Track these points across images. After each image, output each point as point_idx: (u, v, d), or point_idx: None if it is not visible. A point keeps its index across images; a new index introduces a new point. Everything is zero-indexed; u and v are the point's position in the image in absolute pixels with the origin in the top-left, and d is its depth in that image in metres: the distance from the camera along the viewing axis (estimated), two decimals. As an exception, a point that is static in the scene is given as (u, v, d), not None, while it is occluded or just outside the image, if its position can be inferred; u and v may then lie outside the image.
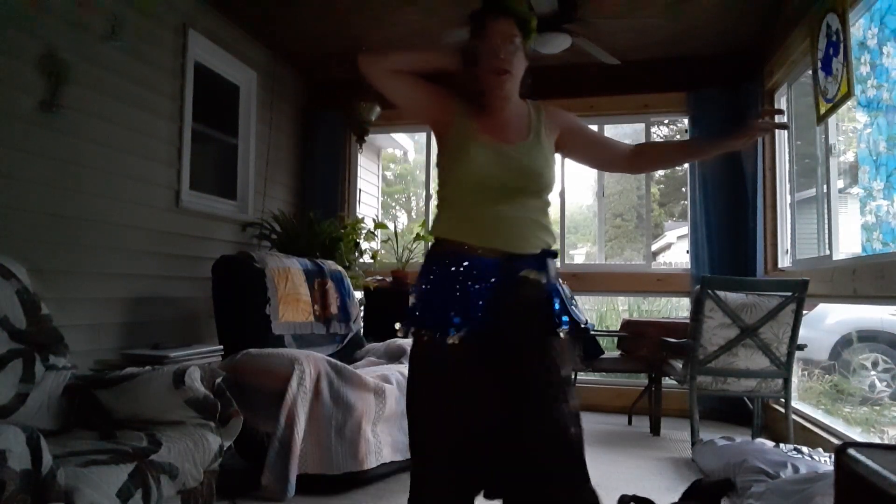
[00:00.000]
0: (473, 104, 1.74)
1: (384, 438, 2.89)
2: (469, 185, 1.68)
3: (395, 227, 5.85)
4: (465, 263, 1.63)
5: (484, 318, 1.59)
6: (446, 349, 1.59)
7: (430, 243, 1.77)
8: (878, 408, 5.06)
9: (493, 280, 1.62)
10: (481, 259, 1.63)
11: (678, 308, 6.47)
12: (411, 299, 1.71)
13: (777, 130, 4.40)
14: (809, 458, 2.82)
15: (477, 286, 1.61)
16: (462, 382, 1.60)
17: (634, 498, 2.23)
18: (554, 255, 1.73)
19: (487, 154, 1.66)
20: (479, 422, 1.59)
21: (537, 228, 1.69)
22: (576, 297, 4.86)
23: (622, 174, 11.69)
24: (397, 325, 1.71)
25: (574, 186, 11.11)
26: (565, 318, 1.67)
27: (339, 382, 2.82)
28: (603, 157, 1.88)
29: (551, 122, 1.77)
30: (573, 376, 1.69)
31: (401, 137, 6.90)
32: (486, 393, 1.60)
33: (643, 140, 5.25)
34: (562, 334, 1.65)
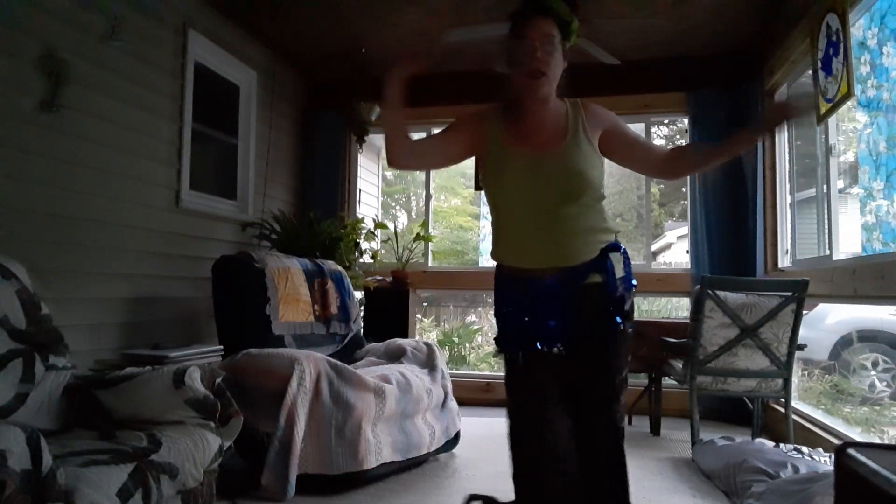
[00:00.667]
0: (511, 109, 1.74)
1: (384, 438, 2.89)
2: (511, 200, 1.68)
3: (395, 227, 5.85)
4: (529, 287, 1.67)
5: (558, 334, 1.64)
6: (534, 366, 1.66)
7: (494, 265, 1.82)
8: (878, 408, 5.06)
9: (558, 299, 1.64)
10: (543, 280, 1.65)
11: (678, 308, 6.47)
12: (496, 323, 1.78)
13: (776, 131, 4.41)
14: (809, 458, 2.82)
15: (546, 307, 1.65)
16: (548, 392, 1.66)
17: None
18: (615, 247, 1.71)
19: (525, 169, 1.65)
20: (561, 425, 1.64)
21: (589, 234, 1.67)
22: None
23: (622, 174, 11.68)
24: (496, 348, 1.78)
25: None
26: (625, 313, 1.68)
27: (339, 382, 2.82)
28: (643, 157, 1.83)
29: (592, 121, 1.75)
30: (624, 378, 1.72)
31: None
32: (562, 399, 1.65)
33: (643, 140, 5.25)
34: (614, 335, 1.67)
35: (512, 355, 1.71)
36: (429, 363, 3.45)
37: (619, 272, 1.68)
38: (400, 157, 1.74)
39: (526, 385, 1.70)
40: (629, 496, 1.67)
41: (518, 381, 1.73)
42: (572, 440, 1.64)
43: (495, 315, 1.78)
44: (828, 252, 3.46)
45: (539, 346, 1.64)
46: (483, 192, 1.82)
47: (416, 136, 1.76)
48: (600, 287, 1.66)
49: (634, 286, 1.73)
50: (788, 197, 4.34)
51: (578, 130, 1.70)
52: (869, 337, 5.53)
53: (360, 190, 5.66)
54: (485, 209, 4.93)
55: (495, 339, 1.78)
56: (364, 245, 4.84)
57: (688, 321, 3.61)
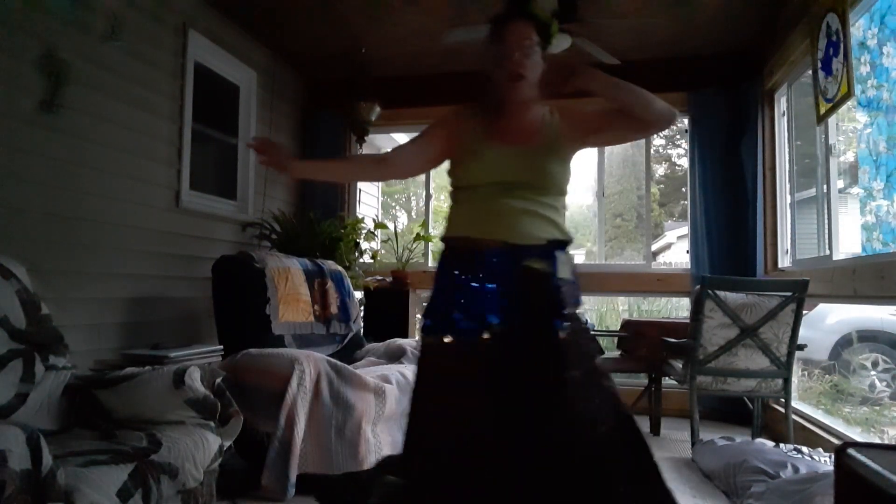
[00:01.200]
0: (489, 109, 1.76)
1: (384, 438, 2.89)
2: (477, 183, 1.70)
3: (395, 227, 5.85)
4: (471, 260, 1.65)
5: (495, 315, 1.59)
6: (455, 350, 1.60)
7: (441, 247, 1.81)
8: (878, 408, 5.06)
9: (498, 274, 1.62)
10: (485, 252, 1.63)
11: (678, 308, 6.47)
12: (429, 302, 1.73)
13: (777, 129, 4.42)
14: (809, 458, 2.82)
15: (486, 284, 1.62)
16: (478, 382, 1.57)
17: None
18: (562, 245, 1.70)
19: (498, 155, 1.68)
20: (488, 425, 1.54)
21: (544, 222, 1.68)
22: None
23: (622, 174, 11.71)
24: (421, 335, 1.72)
25: (574, 186, 11.10)
26: (563, 319, 1.62)
27: (339, 382, 2.82)
28: (626, 121, 1.77)
29: (569, 124, 1.76)
30: (592, 370, 1.63)
31: (401, 137, 6.89)
32: (495, 392, 1.56)
33: (643, 141, 5.25)
34: (564, 334, 1.61)
35: (438, 333, 1.64)
36: (429, 363, 3.45)
37: (566, 273, 1.66)
38: (375, 177, 1.81)
39: (447, 367, 1.63)
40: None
41: (438, 362, 1.65)
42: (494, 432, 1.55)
43: (431, 296, 1.72)
44: (828, 252, 3.46)
45: (468, 326, 1.59)
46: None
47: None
48: (542, 276, 1.64)
49: (579, 300, 1.69)
50: (788, 197, 4.34)
51: (551, 135, 1.74)
52: (869, 337, 5.53)
53: (360, 190, 5.66)
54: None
55: (424, 315, 1.71)
56: (364, 245, 4.84)
57: (688, 321, 3.61)
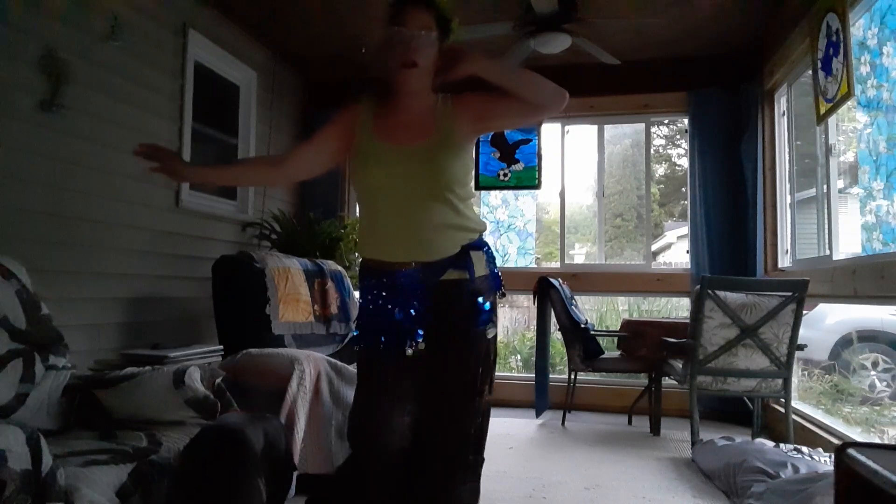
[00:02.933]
0: (382, 101, 1.72)
1: (384, 438, 2.89)
2: (374, 194, 1.66)
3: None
4: (387, 281, 1.64)
5: (414, 333, 1.61)
6: (387, 362, 1.64)
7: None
8: (878, 408, 5.06)
9: (416, 295, 1.62)
10: (401, 273, 1.63)
11: (678, 308, 6.47)
12: (357, 316, 1.77)
13: (777, 129, 4.42)
14: (809, 458, 2.82)
15: (404, 303, 1.62)
16: (398, 390, 1.64)
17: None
18: (477, 246, 1.69)
19: (388, 164, 1.63)
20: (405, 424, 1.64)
21: (450, 230, 1.64)
22: (576, 297, 4.88)
23: (623, 174, 11.69)
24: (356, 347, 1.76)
25: (574, 186, 11.11)
26: (482, 317, 1.65)
27: (339, 382, 2.82)
28: (518, 108, 1.71)
29: (463, 112, 1.70)
30: (487, 374, 1.68)
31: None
32: (415, 396, 1.65)
33: (643, 140, 5.26)
34: (489, 333, 1.66)
35: (363, 347, 1.70)
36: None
37: (481, 270, 1.66)
38: (272, 180, 1.83)
39: (371, 378, 1.70)
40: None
41: (365, 373, 1.72)
42: (409, 438, 1.64)
43: (359, 310, 1.77)
44: (828, 252, 3.46)
45: (387, 342, 1.62)
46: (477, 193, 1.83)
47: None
48: (458, 285, 1.64)
49: (499, 287, 1.71)
50: (788, 197, 4.34)
51: (445, 126, 1.67)
52: (869, 337, 5.53)
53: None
54: (485, 209, 4.93)
55: (355, 329, 1.78)
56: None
57: (688, 321, 3.61)
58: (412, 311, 1.61)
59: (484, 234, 1.75)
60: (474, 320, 1.64)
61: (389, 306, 1.64)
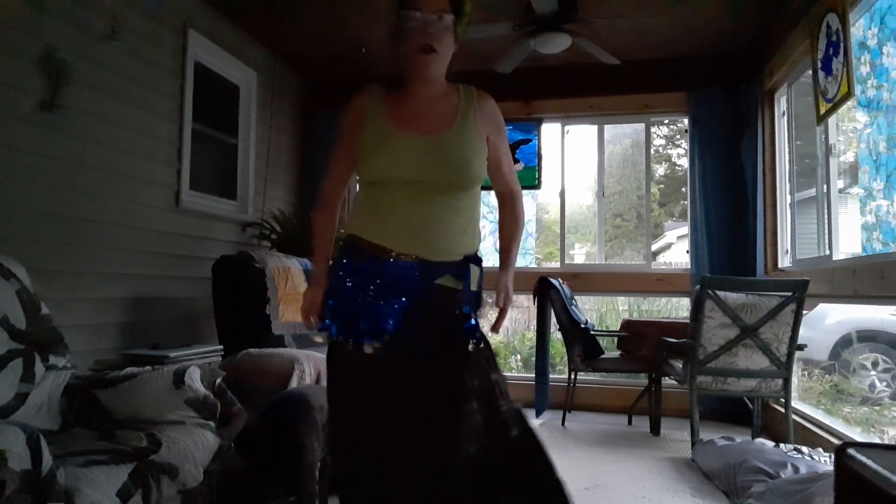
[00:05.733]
0: (395, 89, 1.62)
1: (384, 438, 2.89)
2: (386, 183, 1.55)
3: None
4: (378, 269, 1.53)
5: (397, 330, 1.50)
6: (363, 359, 1.50)
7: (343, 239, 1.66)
8: (878, 408, 5.05)
9: (407, 289, 1.52)
10: (397, 264, 1.52)
11: (678, 308, 6.46)
12: (325, 300, 1.59)
13: (777, 129, 4.42)
14: (809, 458, 2.82)
15: (390, 295, 1.51)
16: (380, 395, 1.50)
17: None
18: (478, 261, 1.62)
19: (404, 148, 1.54)
20: (402, 437, 1.48)
21: (459, 233, 1.57)
22: (576, 297, 4.88)
23: (623, 174, 11.72)
24: (317, 338, 1.64)
25: (574, 186, 11.10)
26: (473, 330, 1.55)
27: (339, 382, 2.82)
28: (492, 178, 1.72)
29: (484, 114, 1.63)
30: (491, 385, 1.56)
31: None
32: (404, 407, 1.50)
33: (643, 140, 5.26)
34: (471, 347, 1.54)
35: (343, 343, 1.53)
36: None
37: (473, 285, 1.59)
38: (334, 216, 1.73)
39: (357, 380, 1.54)
40: None
41: (342, 372, 1.56)
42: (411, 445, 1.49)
43: (326, 294, 1.59)
44: (828, 252, 3.46)
45: (364, 341, 1.50)
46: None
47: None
48: (451, 293, 1.56)
49: (480, 307, 1.62)
50: (788, 197, 4.34)
51: (469, 118, 1.59)
52: (869, 337, 5.52)
53: (359, 190, 5.64)
54: (485, 209, 4.93)
55: (322, 322, 1.59)
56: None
57: (688, 321, 3.61)
58: (396, 308, 1.51)
59: (482, 240, 1.70)
60: (464, 331, 1.55)
61: (372, 296, 1.52)
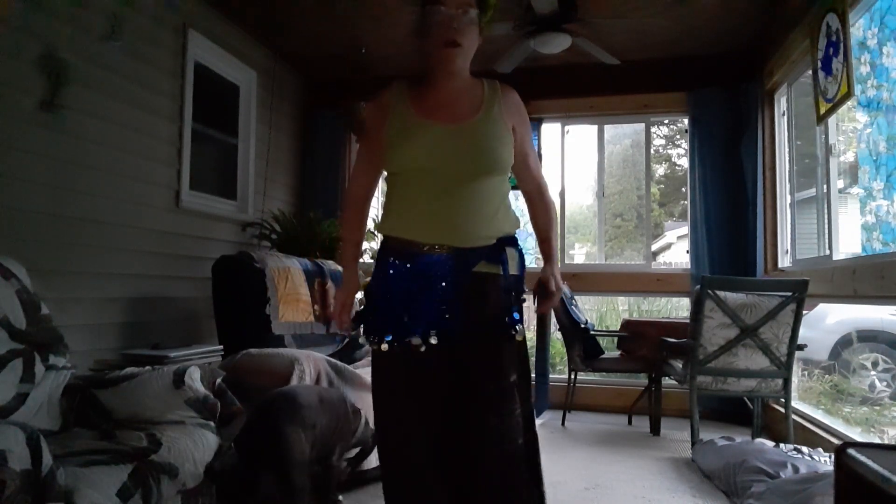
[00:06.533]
0: (419, 83, 1.64)
1: (384, 438, 2.88)
2: (413, 173, 1.55)
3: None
4: (414, 264, 1.53)
5: (439, 323, 1.51)
6: (409, 357, 1.51)
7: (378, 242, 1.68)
8: (878, 408, 5.05)
9: (444, 282, 1.52)
10: (430, 257, 1.52)
11: (678, 308, 6.47)
12: (365, 303, 1.62)
13: (777, 129, 4.42)
14: (809, 458, 2.82)
15: (429, 290, 1.51)
16: (425, 389, 1.54)
17: None
18: (513, 242, 1.62)
19: (430, 136, 1.53)
20: (441, 429, 1.52)
21: (490, 216, 1.56)
22: (576, 297, 4.88)
23: (623, 174, 11.72)
24: (361, 340, 1.64)
25: (574, 186, 11.10)
26: (515, 317, 1.57)
27: (338, 382, 2.82)
28: (517, 171, 1.73)
29: (508, 105, 1.64)
30: (526, 380, 1.59)
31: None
32: (444, 398, 1.53)
33: (643, 140, 5.26)
34: (517, 336, 1.56)
35: (382, 344, 1.53)
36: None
37: (513, 269, 1.60)
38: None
39: (397, 382, 1.56)
40: None
41: (388, 376, 1.57)
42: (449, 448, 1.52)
43: (365, 295, 1.62)
44: (828, 252, 3.46)
45: (411, 338, 1.50)
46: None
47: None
48: (491, 279, 1.55)
49: (524, 294, 1.62)
50: (788, 197, 4.34)
51: (493, 107, 1.60)
52: (869, 337, 5.52)
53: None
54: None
55: (363, 325, 1.60)
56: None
57: (688, 321, 3.61)
58: (437, 301, 1.51)
59: (518, 224, 1.68)
60: (506, 320, 1.55)
61: (411, 293, 1.52)
